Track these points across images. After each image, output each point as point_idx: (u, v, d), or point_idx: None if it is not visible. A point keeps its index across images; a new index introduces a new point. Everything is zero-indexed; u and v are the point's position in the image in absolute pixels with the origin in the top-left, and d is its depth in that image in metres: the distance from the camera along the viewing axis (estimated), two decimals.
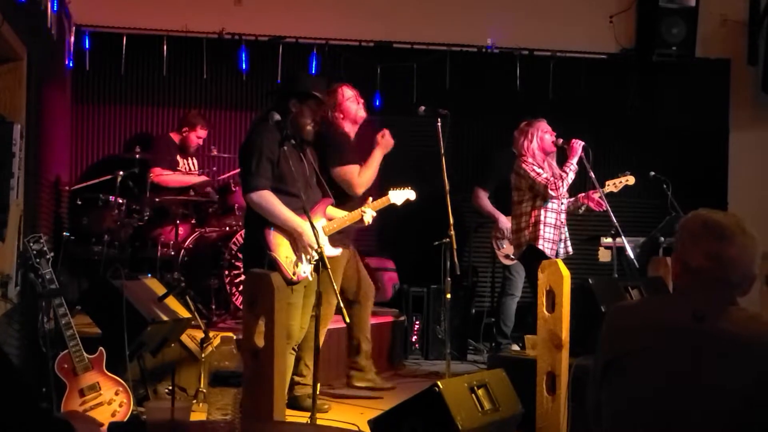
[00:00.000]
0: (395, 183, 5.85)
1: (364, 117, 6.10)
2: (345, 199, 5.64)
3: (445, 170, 5.76)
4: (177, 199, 7.32)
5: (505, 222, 7.55)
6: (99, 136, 8.43)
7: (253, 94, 8.59)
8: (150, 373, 5.63)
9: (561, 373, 4.85)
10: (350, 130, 6.03)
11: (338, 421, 5.31)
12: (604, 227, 7.09)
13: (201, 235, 7.21)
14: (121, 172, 7.00)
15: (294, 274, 4.92)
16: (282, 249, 4.93)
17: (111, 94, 8.42)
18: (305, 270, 4.97)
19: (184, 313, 5.73)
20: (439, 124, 5.82)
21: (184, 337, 5.86)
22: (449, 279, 5.67)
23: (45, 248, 4.80)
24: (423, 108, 6.05)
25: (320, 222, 5.12)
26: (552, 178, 6.50)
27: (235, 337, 5.36)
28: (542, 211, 6.54)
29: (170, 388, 5.45)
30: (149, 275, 6.31)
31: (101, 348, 4.87)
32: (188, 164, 7.83)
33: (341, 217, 5.34)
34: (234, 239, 6.86)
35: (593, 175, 6.59)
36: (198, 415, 5.04)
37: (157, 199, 7.20)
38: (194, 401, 5.55)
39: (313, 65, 8.49)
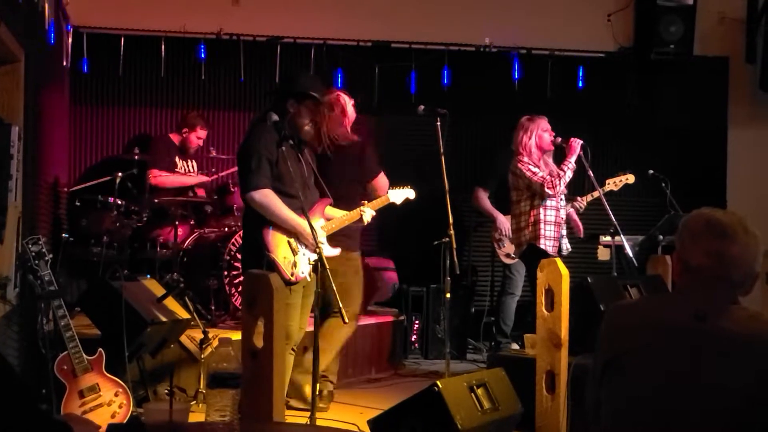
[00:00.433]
0: (394, 182, 5.86)
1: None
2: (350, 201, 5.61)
3: (444, 169, 5.77)
4: (176, 200, 7.32)
5: (504, 222, 7.55)
6: (97, 137, 8.42)
7: (252, 94, 8.59)
8: (149, 374, 5.64)
9: (560, 372, 4.85)
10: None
11: (338, 421, 5.31)
12: (603, 226, 7.09)
13: (200, 235, 7.21)
14: (119, 174, 7.00)
15: (292, 274, 4.91)
16: (280, 249, 4.93)
17: (109, 96, 8.42)
18: (303, 270, 4.97)
19: (183, 314, 5.73)
20: (438, 123, 5.82)
21: (183, 338, 5.87)
22: (449, 278, 5.67)
23: (44, 250, 4.80)
24: (422, 107, 6.05)
25: (319, 222, 5.12)
26: (549, 177, 6.51)
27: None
28: (541, 210, 6.55)
29: (170, 389, 5.45)
30: (148, 276, 6.32)
31: (100, 349, 4.87)
32: (187, 166, 7.82)
33: (340, 216, 5.34)
34: (233, 240, 6.86)
35: (592, 174, 6.59)
36: (197, 416, 5.05)
37: (155, 200, 7.19)
38: (194, 402, 5.55)
39: (311, 65, 8.48)
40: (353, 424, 5.24)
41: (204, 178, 7.73)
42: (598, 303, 5.26)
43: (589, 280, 5.47)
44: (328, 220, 5.27)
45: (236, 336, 4.88)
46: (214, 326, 6.47)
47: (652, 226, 7.43)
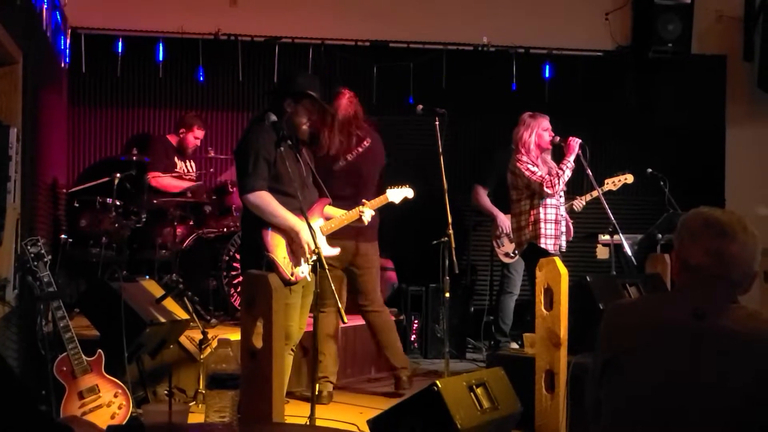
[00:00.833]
0: (393, 181, 5.86)
1: None
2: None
3: (443, 169, 5.77)
4: (174, 200, 7.32)
5: (504, 220, 7.55)
6: (96, 138, 8.42)
7: (250, 94, 8.59)
8: (149, 375, 5.64)
9: (559, 371, 4.85)
10: None
11: (337, 421, 5.31)
12: (601, 224, 7.09)
13: (199, 236, 7.21)
14: (118, 175, 7.00)
15: (292, 274, 4.91)
16: (279, 250, 4.92)
17: (107, 97, 8.41)
18: (303, 270, 4.97)
19: (182, 315, 5.74)
20: (437, 122, 5.82)
21: (182, 339, 5.87)
22: (448, 278, 5.68)
23: (42, 251, 4.80)
24: (421, 107, 6.07)
25: (317, 222, 5.11)
26: (547, 176, 6.51)
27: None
28: (541, 209, 6.55)
29: (169, 390, 5.45)
30: (147, 277, 6.32)
31: (100, 350, 4.87)
32: (186, 167, 7.83)
33: (339, 216, 5.34)
34: (232, 240, 6.86)
35: (590, 173, 6.59)
36: (197, 416, 5.05)
37: (154, 201, 7.20)
38: (193, 402, 5.55)
39: (310, 65, 8.48)
40: (353, 424, 5.24)
41: (200, 183, 7.73)
42: (597, 302, 5.27)
43: (588, 279, 5.48)
44: (327, 219, 5.27)
45: (235, 336, 4.88)
46: (213, 327, 6.48)
47: (651, 224, 7.43)
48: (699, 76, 9.17)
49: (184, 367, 5.85)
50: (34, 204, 6.25)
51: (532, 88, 8.78)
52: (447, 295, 5.75)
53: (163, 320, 5.42)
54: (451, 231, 5.66)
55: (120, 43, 8.22)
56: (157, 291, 5.74)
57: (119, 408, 4.81)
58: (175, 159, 7.73)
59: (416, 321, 8.03)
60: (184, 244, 7.13)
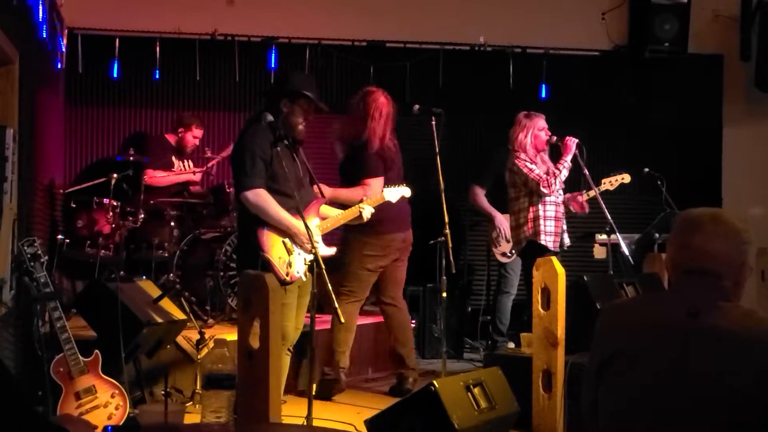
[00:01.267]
0: (390, 181, 5.85)
1: None
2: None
3: (440, 169, 5.77)
4: (171, 200, 7.32)
5: (503, 221, 7.54)
6: (92, 138, 8.41)
7: (247, 94, 8.58)
8: (146, 375, 5.64)
9: (557, 371, 4.86)
10: None
11: (335, 421, 5.31)
12: (598, 224, 7.10)
13: (196, 236, 7.20)
14: (115, 175, 6.98)
15: (287, 274, 4.91)
16: (275, 249, 4.92)
17: (104, 97, 8.41)
18: (299, 270, 4.97)
19: (179, 315, 5.74)
20: (434, 122, 5.83)
21: (179, 339, 5.86)
22: (445, 278, 5.68)
23: (39, 252, 4.79)
24: (417, 107, 6.08)
25: (314, 221, 5.12)
26: (545, 175, 6.51)
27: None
28: (540, 206, 6.55)
29: (165, 390, 5.45)
30: (144, 277, 6.32)
31: (97, 351, 4.86)
32: (184, 166, 7.82)
33: (335, 215, 5.34)
34: (229, 240, 6.85)
35: (587, 173, 6.60)
36: (193, 416, 5.05)
37: (151, 201, 7.19)
38: (190, 402, 5.55)
39: (306, 65, 8.48)
40: (350, 424, 5.24)
41: (196, 170, 7.72)
42: (595, 301, 5.28)
43: (586, 279, 5.49)
44: (323, 219, 5.27)
45: (232, 336, 4.87)
46: (210, 327, 6.47)
47: (648, 224, 7.44)
48: (696, 76, 9.17)
49: (181, 367, 5.85)
50: (30, 205, 6.25)
51: (529, 87, 8.78)
52: (444, 294, 5.75)
53: (160, 320, 5.42)
54: (448, 231, 5.66)
55: (117, 44, 8.21)
56: (154, 291, 5.74)
57: (116, 408, 4.81)
58: (173, 158, 7.72)
59: (413, 321, 8.01)
60: (181, 245, 7.12)
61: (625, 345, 2.54)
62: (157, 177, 7.44)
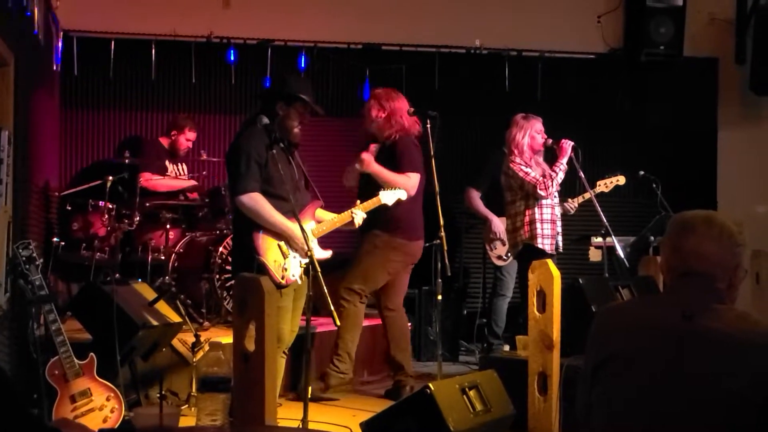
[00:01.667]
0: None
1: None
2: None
3: (435, 171, 5.78)
4: (167, 203, 7.31)
5: (498, 224, 7.55)
6: (88, 141, 8.40)
7: (242, 97, 8.58)
8: (141, 378, 5.63)
9: (552, 374, 4.85)
10: None
11: (330, 424, 5.30)
12: (594, 227, 7.10)
13: (191, 239, 7.20)
14: (110, 177, 6.98)
15: (283, 277, 4.91)
16: (270, 253, 4.92)
17: (100, 99, 8.40)
18: (294, 273, 4.97)
19: (174, 318, 5.73)
20: (429, 125, 5.83)
21: (175, 342, 5.86)
22: (440, 280, 5.68)
23: (34, 254, 4.79)
24: (412, 110, 6.09)
25: (309, 224, 5.11)
26: (541, 178, 6.51)
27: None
28: (536, 209, 6.56)
29: (160, 393, 5.44)
30: (139, 280, 6.31)
31: (92, 354, 4.86)
32: (178, 169, 7.82)
33: (330, 219, 5.34)
34: (224, 243, 6.85)
35: (583, 175, 6.60)
36: (188, 419, 5.05)
37: (147, 204, 7.19)
38: (186, 405, 5.54)
39: (302, 67, 8.47)
40: (346, 426, 5.24)
41: (194, 183, 7.73)
42: (590, 304, 5.27)
43: (581, 282, 5.48)
44: (318, 222, 5.27)
45: (228, 339, 4.87)
46: (205, 330, 6.47)
47: (644, 226, 7.45)
48: (691, 79, 9.18)
49: (176, 370, 5.84)
50: (25, 207, 6.24)
51: (525, 90, 8.79)
52: (439, 297, 5.75)
53: (155, 323, 5.41)
54: (443, 233, 5.66)
55: (112, 46, 8.20)
56: (150, 294, 5.73)
57: (111, 411, 4.80)
58: (167, 162, 7.72)
59: (409, 324, 8.01)
60: (177, 247, 7.12)
61: (621, 347, 2.54)
62: (152, 181, 7.42)
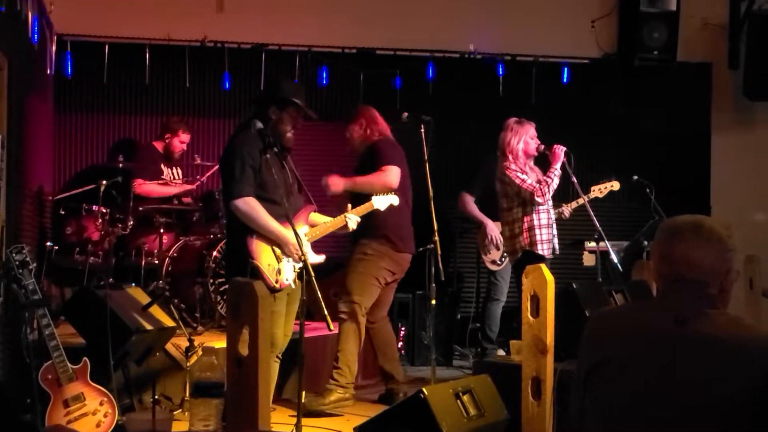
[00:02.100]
0: None
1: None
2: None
3: (429, 176, 5.78)
4: (161, 207, 7.31)
5: (494, 228, 7.54)
6: (82, 145, 8.39)
7: (236, 101, 8.57)
8: (135, 383, 5.62)
9: (546, 378, 4.85)
10: None
11: (324, 429, 5.30)
12: (587, 231, 7.11)
13: (185, 243, 7.19)
14: (104, 182, 6.96)
15: (277, 281, 4.91)
16: (264, 257, 4.92)
17: (93, 103, 8.39)
18: (288, 278, 4.97)
19: (168, 322, 5.72)
20: (423, 130, 5.84)
21: (168, 346, 5.85)
22: (434, 285, 5.68)
23: (28, 259, 4.78)
24: (406, 114, 6.09)
25: (303, 229, 5.12)
26: (537, 185, 6.50)
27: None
28: (534, 215, 6.55)
29: (153, 398, 5.43)
30: (133, 284, 6.30)
31: (85, 358, 4.85)
32: (172, 173, 7.81)
33: (324, 223, 5.34)
34: (218, 247, 6.84)
35: (576, 180, 6.61)
36: (181, 424, 5.04)
37: (140, 208, 7.18)
38: (179, 410, 5.53)
39: (296, 72, 8.48)
40: (339, 431, 5.23)
41: (189, 187, 7.72)
42: (584, 309, 5.28)
43: (575, 286, 5.48)
44: (312, 226, 5.27)
45: (222, 344, 4.87)
46: (199, 334, 6.46)
47: (637, 231, 7.46)
48: (684, 84, 9.20)
49: (170, 374, 5.82)
50: (19, 211, 6.23)
51: (519, 95, 8.79)
52: (433, 302, 5.76)
53: (149, 328, 5.41)
54: (437, 238, 5.67)
55: (106, 50, 8.19)
56: (144, 298, 5.72)
57: (105, 416, 4.79)
58: (162, 166, 7.71)
59: (403, 328, 8.01)
60: (171, 252, 7.11)
61: (614, 352, 2.54)
62: (147, 187, 7.41)
